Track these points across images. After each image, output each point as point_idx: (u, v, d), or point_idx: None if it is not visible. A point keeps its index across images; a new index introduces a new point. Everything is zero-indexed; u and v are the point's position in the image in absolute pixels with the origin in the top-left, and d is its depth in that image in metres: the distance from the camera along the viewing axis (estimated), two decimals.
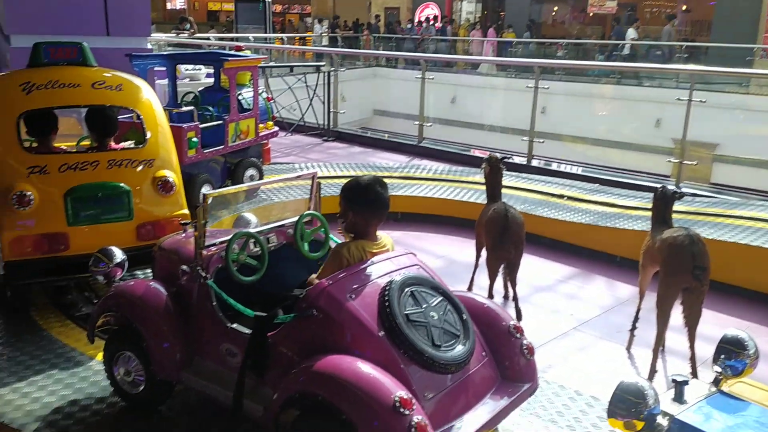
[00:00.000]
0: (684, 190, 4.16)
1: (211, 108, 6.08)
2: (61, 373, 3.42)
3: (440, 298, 2.73)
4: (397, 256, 2.87)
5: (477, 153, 9.38)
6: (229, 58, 5.94)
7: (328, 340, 2.54)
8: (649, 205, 6.33)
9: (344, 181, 3.02)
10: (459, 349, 2.60)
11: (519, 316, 4.37)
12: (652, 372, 3.82)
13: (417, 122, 9.72)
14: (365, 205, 2.81)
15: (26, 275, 3.79)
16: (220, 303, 2.87)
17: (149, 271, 4.28)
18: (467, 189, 6.96)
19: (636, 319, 4.26)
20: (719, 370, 2.21)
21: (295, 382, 2.47)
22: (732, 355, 2.18)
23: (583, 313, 4.79)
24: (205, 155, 5.71)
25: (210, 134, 5.83)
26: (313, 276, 2.85)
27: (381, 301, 2.58)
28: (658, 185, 4.25)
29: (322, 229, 3.33)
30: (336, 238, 3.32)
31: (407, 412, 2.27)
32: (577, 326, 4.58)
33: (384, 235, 2.93)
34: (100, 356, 3.54)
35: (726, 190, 7.66)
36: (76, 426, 2.99)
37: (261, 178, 6.49)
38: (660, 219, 4.16)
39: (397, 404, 2.27)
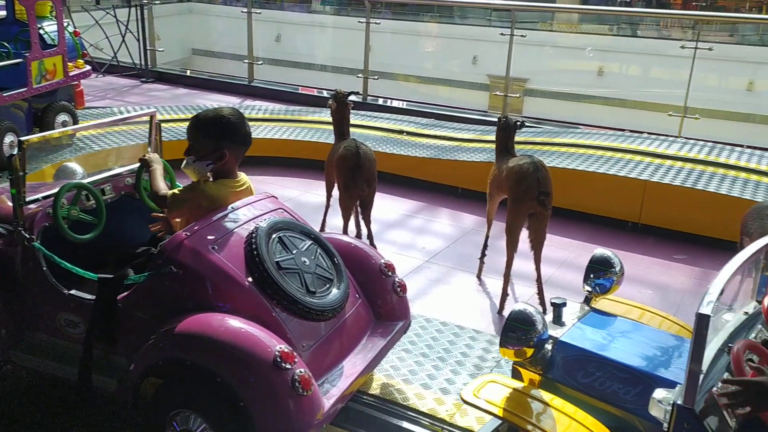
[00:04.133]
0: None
1: (6, 44, 5.19)
2: None
3: (310, 242, 2.56)
4: (258, 200, 2.64)
5: (313, 92, 9.13)
6: None
7: (191, 297, 2.28)
8: (484, 137, 6.66)
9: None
10: (334, 293, 2.47)
11: None
12: (504, 296, 3.98)
13: (244, 61, 9.19)
14: (239, 140, 2.52)
15: None
16: (53, 267, 2.45)
17: None
18: (307, 128, 6.75)
19: (485, 246, 4.40)
20: (589, 289, 2.29)
21: (157, 348, 2.19)
22: (600, 273, 2.27)
23: (434, 246, 4.88)
24: (5, 99, 4.90)
25: (8, 75, 5.00)
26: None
27: (248, 250, 2.35)
28: (500, 116, 4.35)
29: (166, 176, 2.96)
30: (181, 185, 2.98)
31: (289, 366, 2.11)
32: (429, 259, 4.66)
33: (241, 173, 2.67)
34: None
35: (544, 121, 8.20)
36: None
37: (75, 124, 5.75)
38: (503, 148, 4.27)
39: (278, 359, 2.10)
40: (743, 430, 1.69)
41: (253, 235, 2.38)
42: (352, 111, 4.72)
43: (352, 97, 4.68)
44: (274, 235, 2.45)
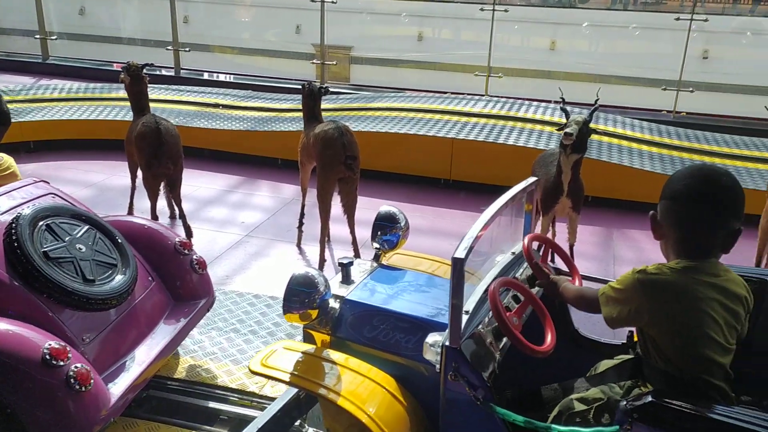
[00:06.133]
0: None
1: None
2: None
3: (86, 227, 2.37)
4: (21, 186, 2.39)
5: (117, 67, 8.49)
6: None
7: None
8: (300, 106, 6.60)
9: None
10: (118, 279, 2.31)
11: (189, 234, 4.16)
12: (322, 261, 4.00)
13: (36, 36, 8.34)
14: None
15: None
16: None
17: None
18: (111, 106, 6.27)
19: (302, 215, 4.38)
20: (377, 246, 2.33)
21: None
22: (387, 230, 2.31)
23: (253, 219, 4.78)
24: None
25: None
26: None
27: (8, 241, 2.12)
28: (304, 83, 4.30)
29: None
30: None
31: (62, 363, 1.95)
32: (249, 233, 4.55)
33: (4, 154, 2.41)
34: None
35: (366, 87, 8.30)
36: None
37: None
38: (311, 115, 4.24)
39: (48, 357, 1.92)
40: (505, 362, 1.81)
41: (14, 224, 2.15)
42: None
43: (147, 70, 4.40)
44: (40, 223, 2.23)
